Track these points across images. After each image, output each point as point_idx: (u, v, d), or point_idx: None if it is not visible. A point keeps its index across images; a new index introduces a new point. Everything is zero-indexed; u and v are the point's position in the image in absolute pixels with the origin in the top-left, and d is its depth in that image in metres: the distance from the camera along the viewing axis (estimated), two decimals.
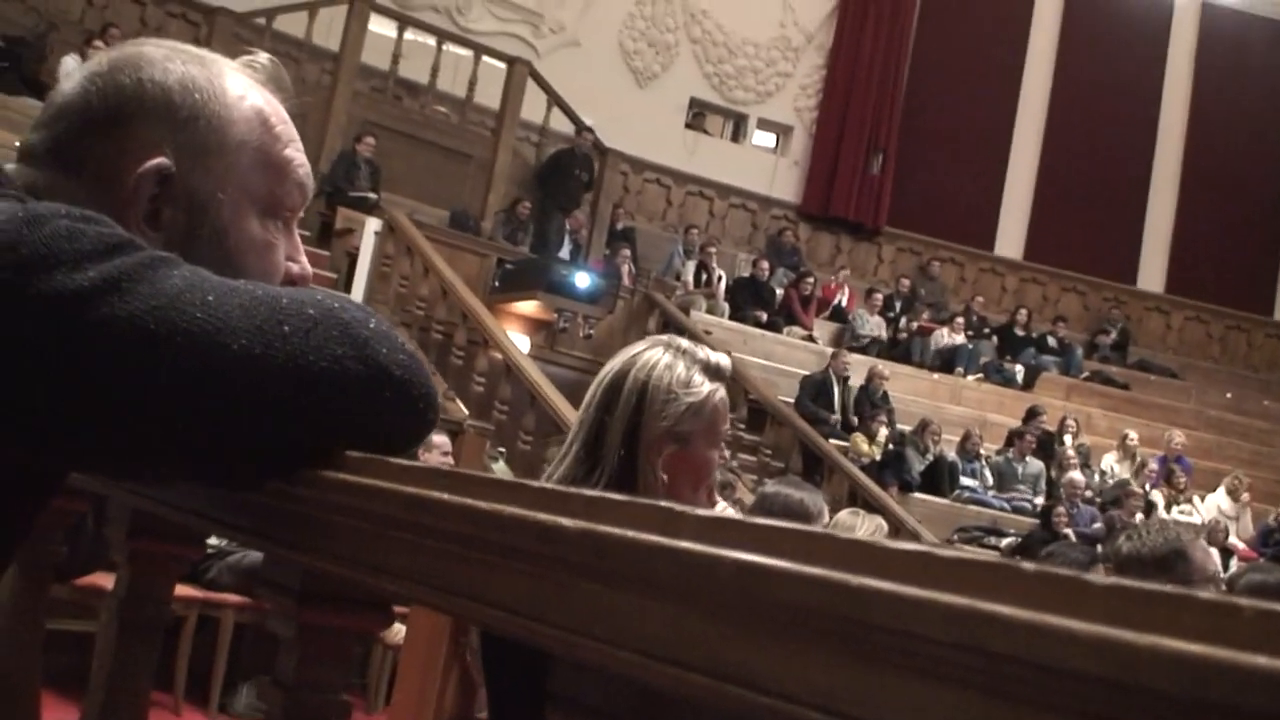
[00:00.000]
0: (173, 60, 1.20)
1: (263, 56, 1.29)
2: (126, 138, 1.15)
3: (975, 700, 0.57)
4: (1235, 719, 0.49)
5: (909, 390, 13.70)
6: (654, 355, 2.23)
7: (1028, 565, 0.56)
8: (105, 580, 5.11)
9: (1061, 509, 11.01)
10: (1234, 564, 10.69)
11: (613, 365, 2.27)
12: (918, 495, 11.53)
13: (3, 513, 1.09)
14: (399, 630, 4.00)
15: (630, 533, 0.71)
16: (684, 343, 2.30)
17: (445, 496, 0.85)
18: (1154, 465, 13.26)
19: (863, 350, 14.24)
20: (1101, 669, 0.51)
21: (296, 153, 1.25)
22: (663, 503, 0.74)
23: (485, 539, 0.81)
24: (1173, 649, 0.49)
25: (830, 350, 13.74)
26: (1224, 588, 3.47)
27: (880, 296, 15.49)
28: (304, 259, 1.28)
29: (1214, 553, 9.54)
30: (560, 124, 14.49)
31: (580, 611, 0.75)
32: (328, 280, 10.57)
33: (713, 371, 2.25)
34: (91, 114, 1.17)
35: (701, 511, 0.72)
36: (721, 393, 2.26)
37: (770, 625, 0.65)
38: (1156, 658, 0.50)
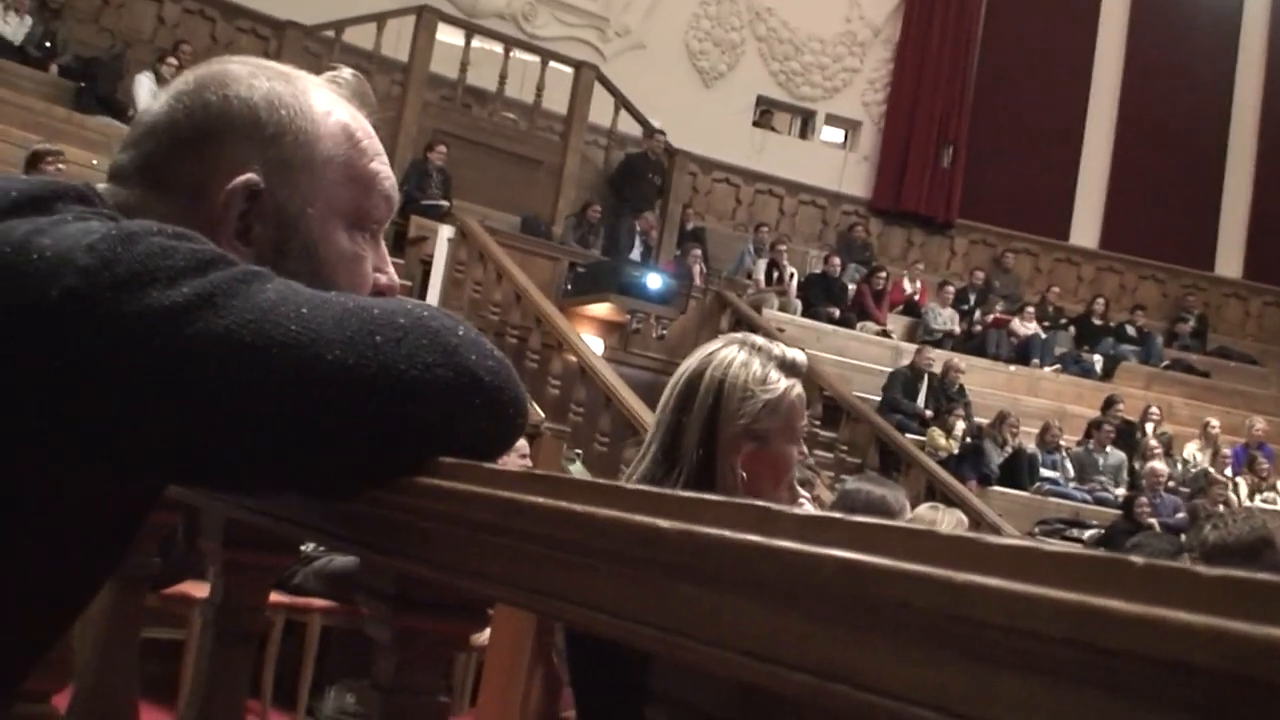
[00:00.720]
0: (258, 77, 1.21)
1: (346, 72, 1.30)
2: (215, 155, 1.17)
3: (1087, 696, 0.57)
4: None
5: (985, 383, 13.58)
6: (729, 353, 2.23)
7: (1136, 559, 0.56)
8: (193, 589, 5.19)
9: (1144, 499, 10.86)
10: None
11: (688, 365, 2.27)
12: (997, 488, 11.42)
13: (106, 529, 1.11)
14: (483, 631, 4.03)
15: (728, 533, 0.71)
16: (758, 340, 2.30)
17: (541, 500, 0.85)
18: (1227, 452, 13.04)
19: (936, 344, 14.13)
20: (1215, 662, 0.51)
21: (382, 166, 1.26)
22: (759, 502, 0.74)
23: (582, 542, 0.82)
24: None
25: (904, 345, 13.66)
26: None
27: (953, 289, 15.37)
28: (391, 269, 1.29)
29: None
30: (628, 127, 14.52)
31: (680, 613, 0.75)
32: (403, 288, 10.63)
33: (788, 367, 2.24)
34: (179, 132, 1.18)
35: (799, 510, 0.72)
36: (798, 389, 2.25)
37: (875, 623, 0.65)
38: (1272, 649, 0.49)
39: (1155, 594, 0.54)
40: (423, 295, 10.43)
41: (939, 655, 0.63)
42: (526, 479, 0.88)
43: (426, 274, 10.97)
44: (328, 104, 1.24)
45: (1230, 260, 17.56)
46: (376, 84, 12.73)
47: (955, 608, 0.61)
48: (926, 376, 12.72)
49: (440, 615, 1.10)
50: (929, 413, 12.40)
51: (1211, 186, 17.33)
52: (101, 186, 1.18)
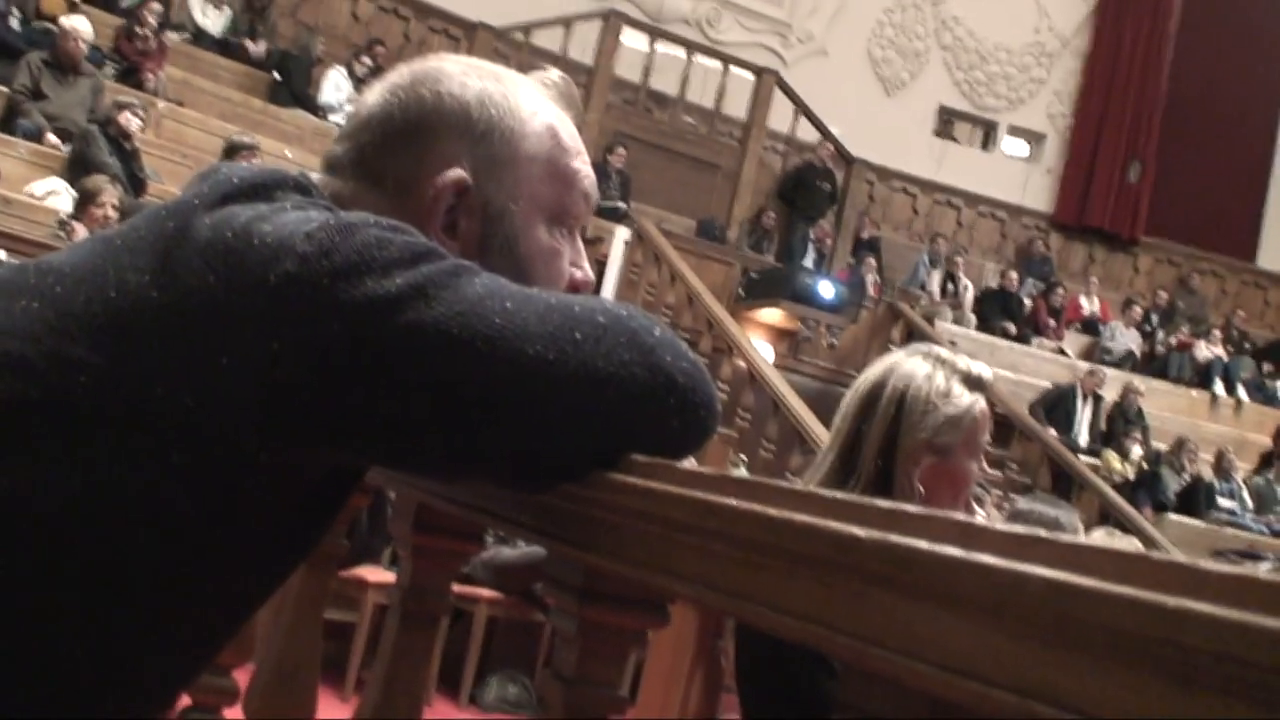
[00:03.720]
0: (470, 76, 1.25)
1: (554, 73, 1.34)
2: (426, 150, 1.21)
3: None
4: None
5: (1165, 407, 13.19)
6: (912, 365, 2.20)
7: None
8: (367, 573, 5.34)
9: None
10: None
11: (870, 374, 2.24)
12: (1172, 516, 11.08)
13: (308, 510, 1.15)
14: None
15: (929, 545, 0.71)
16: (942, 352, 2.26)
17: (735, 503, 0.86)
18: None
19: (1115, 364, 13.79)
20: None
21: (583, 164, 1.29)
22: (961, 516, 0.74)
23: (776, 546, 0.82)
24: None
25: (1080, 364, 13.34)
26: None
27: (1138, 309, 14.96)
28: (586, 265, 1.32)
29: None
30: (807, 133, 14.46)
31: (874, 622, 0.75)
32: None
33: (973, 382, 2.21)
34: (393, 126, 1.22)
35: (1002, 527, 0.71)
36: (981, 404, 2.21)
37: (1081, 645, 0.64)
38: None
39: None
40: (597, 295, 10.53)
41: (1146, 679, 0.62)
42: (722, 480, 0.89)
43: (602, 274, 11.07)
44: (535, 104, 1.27)
45: None
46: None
47: (1166, 632, 0.60)
48: (1095, 400, 12.40)
49: (625, 610, 1.12)
50: (1095, 435, 12.07)
51: None
52: (316, 177, 1.22)
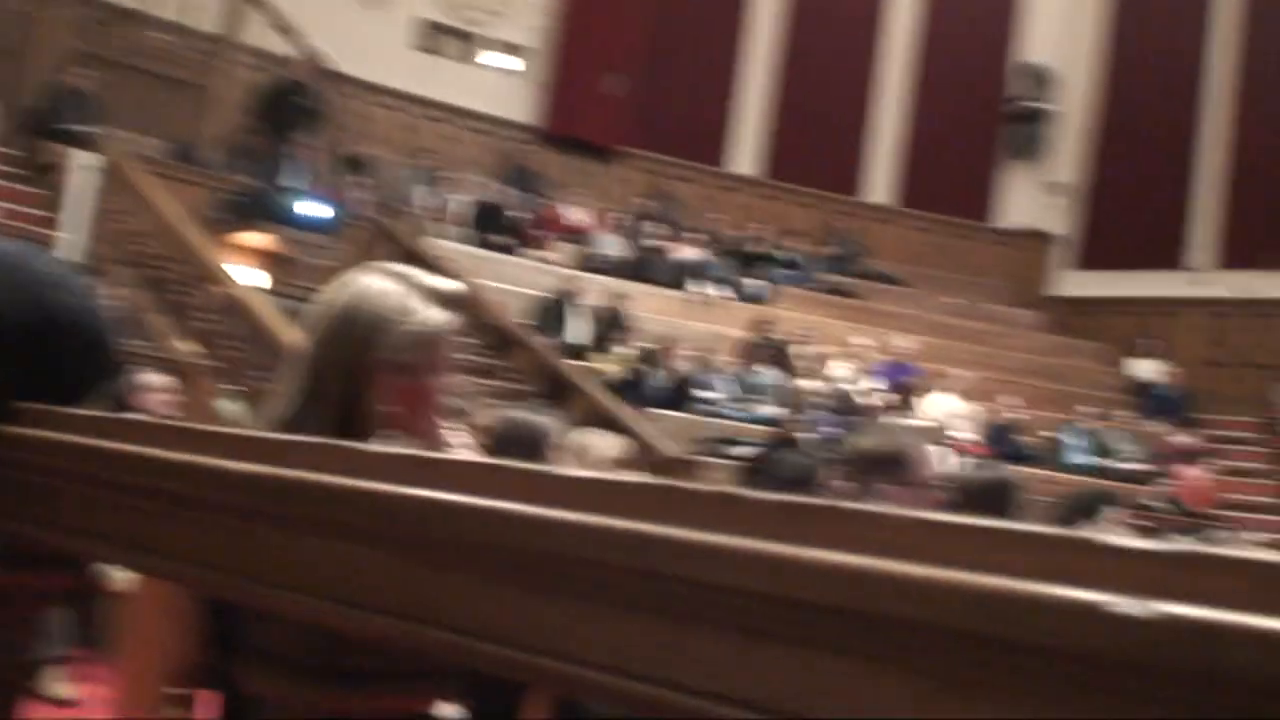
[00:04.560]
0: None
1: None
2: None
3: (645, 621, 0.57)
4: (891, 624, 0.50)
5: (649, 309, 13.85)
6: (367, 283, 2.15)
7: (691, 485, 0.56)
8: None
9: (798, 417, 11.36)
10: (965, 461, 11.18)
11: (330, 295, 2.18)
12: (660, 411, 11.70)
13: None
14: (124, 577, 3.86)
15: (310, 475, 0.69)
16: (405, 269, 2.23)
17: (110, 445, 0.80)
18: (883, 370, 13.78)
19: (602, 271, 14.33)
20: (755, 583, 0.52)
21: None
22: (345, 443, 0.71)
23: (156, 487, 0.78)
24: (820, 561, 0.50)
25: (572, 273, 13.80)
26: (947, 485, 3.64)
27: (619, 216, 15.59)
28: None
29: (938, 452, 9.95)
30: (284, 48, 14.02)
31: (258, 558, 0.72)
32: (40, 219, 10.05)
33: (436, 297, 2.19)
34: None
35: (385, 449, 0.70)
36: (444, 317, 2.19)
37: (456, 561, 0.64)
38: (804, 569, 0.50)
39: (706, 519, 0.54)
40: (61, 227, 9.86)
41: (519, 590, 0.62)
42: (98, 422, 0.83)
43: (67, 205, 10.37)
44: None
45: (881, 187, 18.45)
46: (8, 3, 11.90)
47: (529, 542, 0.61)
48: (583, 305, 12.92)
49: (26, 568, 1.03)
50: (584, 340, 12.62)
51: (865, 118, 18.19)
52: None
